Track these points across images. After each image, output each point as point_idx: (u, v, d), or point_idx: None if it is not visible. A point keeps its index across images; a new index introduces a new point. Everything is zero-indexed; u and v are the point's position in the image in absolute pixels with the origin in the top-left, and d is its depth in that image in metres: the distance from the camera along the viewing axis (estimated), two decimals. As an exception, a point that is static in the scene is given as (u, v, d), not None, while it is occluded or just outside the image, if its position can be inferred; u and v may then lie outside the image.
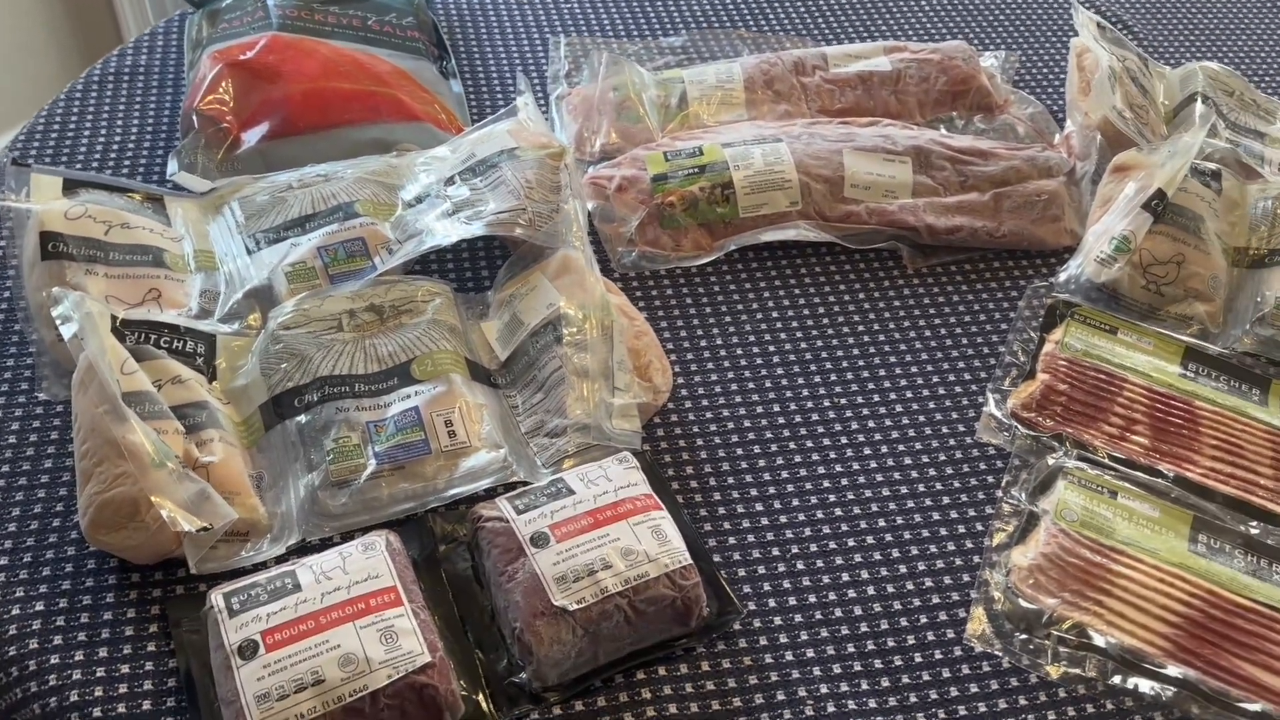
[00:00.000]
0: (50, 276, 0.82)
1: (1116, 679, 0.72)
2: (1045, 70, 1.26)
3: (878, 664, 0.72)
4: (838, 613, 0.75)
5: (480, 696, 0.68)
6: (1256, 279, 0.97)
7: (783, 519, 0.80)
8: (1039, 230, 1.03)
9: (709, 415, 0.87)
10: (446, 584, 0.73)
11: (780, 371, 0.91)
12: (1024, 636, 0.74)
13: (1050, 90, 1.23)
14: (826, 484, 0.83)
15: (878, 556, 0.78)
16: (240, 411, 0.80)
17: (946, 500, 0.82)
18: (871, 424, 0.87)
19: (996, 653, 0.73)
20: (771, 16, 1.29)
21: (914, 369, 0.92)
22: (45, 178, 0.87)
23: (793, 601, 0.75)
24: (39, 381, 0.83)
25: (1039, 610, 0.74)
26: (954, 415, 0.88)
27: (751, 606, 0.75)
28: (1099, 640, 0.73)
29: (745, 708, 0.69)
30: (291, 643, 0.65)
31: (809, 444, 0.85)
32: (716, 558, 0.77)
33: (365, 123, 1.02)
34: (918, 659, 0.73)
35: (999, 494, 0.83)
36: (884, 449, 0.85)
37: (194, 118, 1.00)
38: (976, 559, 0.79)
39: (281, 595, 0.67)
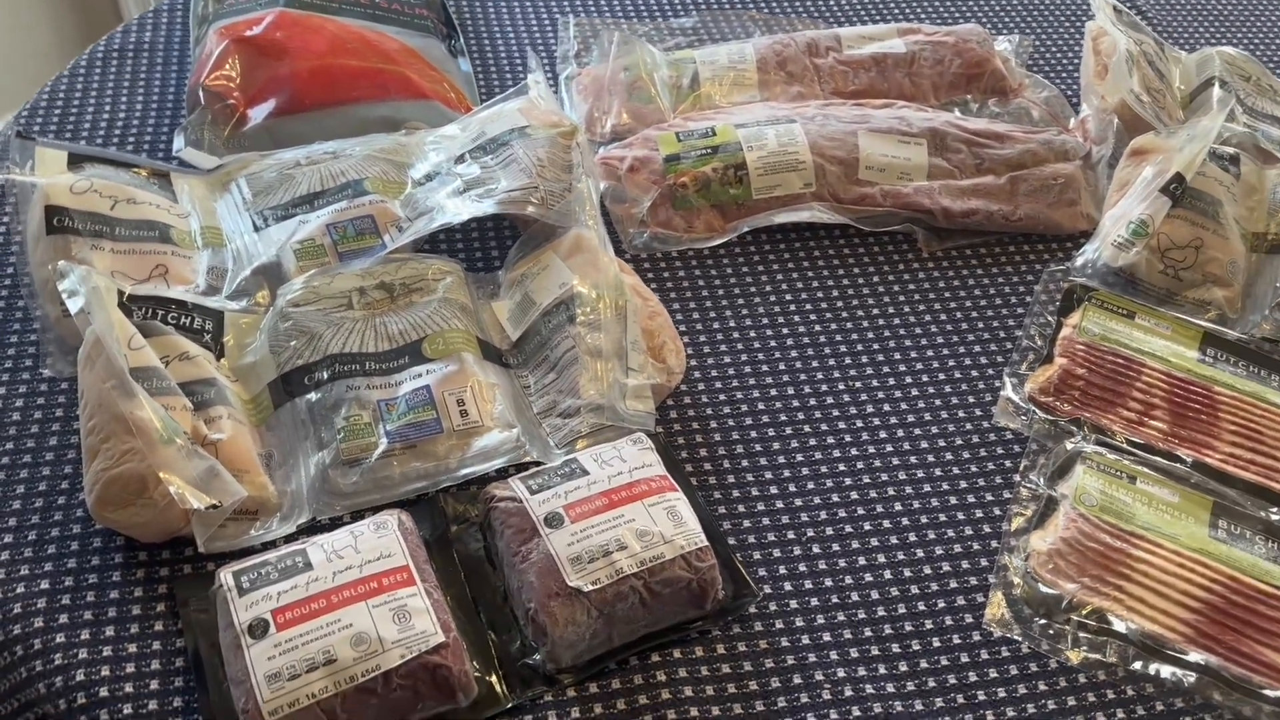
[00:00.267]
0: (55, 251, 0.81)
1: (1137, 665, 0.71)
2: (1058, 54, 1.25)
3: (895, 648, 0.71)
4: (854, 597, 0.74)
5: (493, 678, 0.67)
6: (1275, 264, 0.96)
7: (798, 502, 0.79)
8: (1055, 214, 1.02)
9: (722, 398, 0.86)
10: (458, 564, 0.72)
11: (794, 354, 0.90)
12: (1043, 621, 0.73)
13: (1064, 75, 1.22)
14: (842, 467, 0.82)
15: (894, 540, 0.77)
16: (249, 389, 0.78)
17: (964, 484, 0.81)
18: (887, 407, 0.86)
19: (1016, 638, 0.72)
20: (783, -2, 1.28)
21: (929, 352, 0.91)
22: (50, 151, 0.86)
23: (809, 585, 0.74)
24: (43, 358, 0.82)
25: (1058, 595, 0.73)
26: (970, 399, 0.87)
27: (767, 590, 0.74)
28: (1119, 626, 0.72)
29: (762, 691, 0.68)
30: (302, 621, 0.64)
31: (824, 427, 0.84)
32: (731, 540, 0.76)
33: (373, 100, 1.01)
34: (936, 643, 0.72)
35: (1017, 478, 0.82)
36: (900, 432, 0.84)
37: (200, 94, 0.98)
38: (994, 543, 0.78)
39: (292, 574, 0.66)
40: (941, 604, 0.74)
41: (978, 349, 0.91)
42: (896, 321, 0.93)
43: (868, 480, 0.81)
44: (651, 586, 0.69)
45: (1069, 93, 1.18)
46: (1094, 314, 0.92)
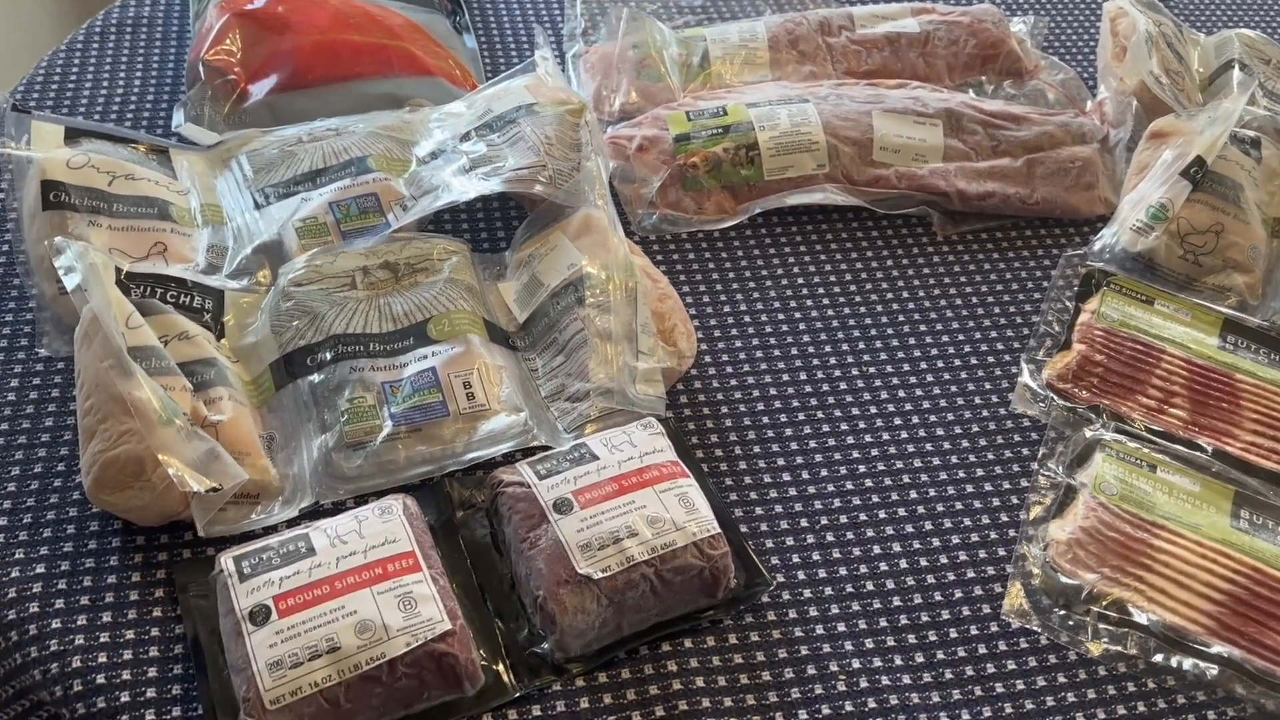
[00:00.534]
0: (52, 227, 0.79)
1: (1159, 657, 0.69)
2: (1074, 36, 1.23)
3: (911, 639, 0.70)
4: (869, 586, 0.72)
5: (500, 666, 0.65)
6: (1297, 250, 0.95)
7: (811, 490, 0.77)
8: (1072, 198, 1.00)
9: (733, 382, 0.84)
10: (464, 551, 0.70)
11: (806, 339, 0.88)
12: (1063, 612, 0.71)
13: (1079, 56, 1.20)
14: (856, 454, 0.80)
15: (910, 529, 0.76)
16: (250, 370, 0.76)
17: (980, 472, 0.79)
18: (902, 393, 0.84)
19: (1034, 629, 0.71)
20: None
21: (944, 338, 0.89)
22: (47, 125, 0.84)
23: (822, 574, 0.73)
24: (39, 337, 0.80)
25: (1078, 585, 0.72)
26: (987, 385, 0.86)
27: (780, 578, 0.72)
28: (1140, 617, 0.70)
29: (775, 681, 0.67)
30: (305, 608, 0.62)
31: (837, 413, 0.82)
32: (743, 528, 0.75)
33: (376, 76, 0.99)
34: (953, 634, 0.70)
35: (1035, 466, 0.80)
36: (915, 419, 0.83)
37: (200, 69, 0.96)
38: (1012, 532, 0.76)
39: (295, 559, 0.64)
40: (958, 594, 0.72)
41: (994, 334, 0.90)
42: (911, 306, 0.91)
43: (882, 467, 0.79)
44: (663, 574, 0.67)
45: (1085, 75, 1.16)
46: (1112, 299, 0.90)
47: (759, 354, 0.86)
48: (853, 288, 0.92)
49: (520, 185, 0.85)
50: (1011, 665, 0.69)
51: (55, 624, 0.66)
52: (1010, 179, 0.99)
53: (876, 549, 0.74)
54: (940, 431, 0.82)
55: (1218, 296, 0.92)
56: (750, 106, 0.98)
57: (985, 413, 0.84)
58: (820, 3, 1.20)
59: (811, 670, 0.67)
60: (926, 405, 0.84)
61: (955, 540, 0.75)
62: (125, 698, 0.63)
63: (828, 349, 0.87)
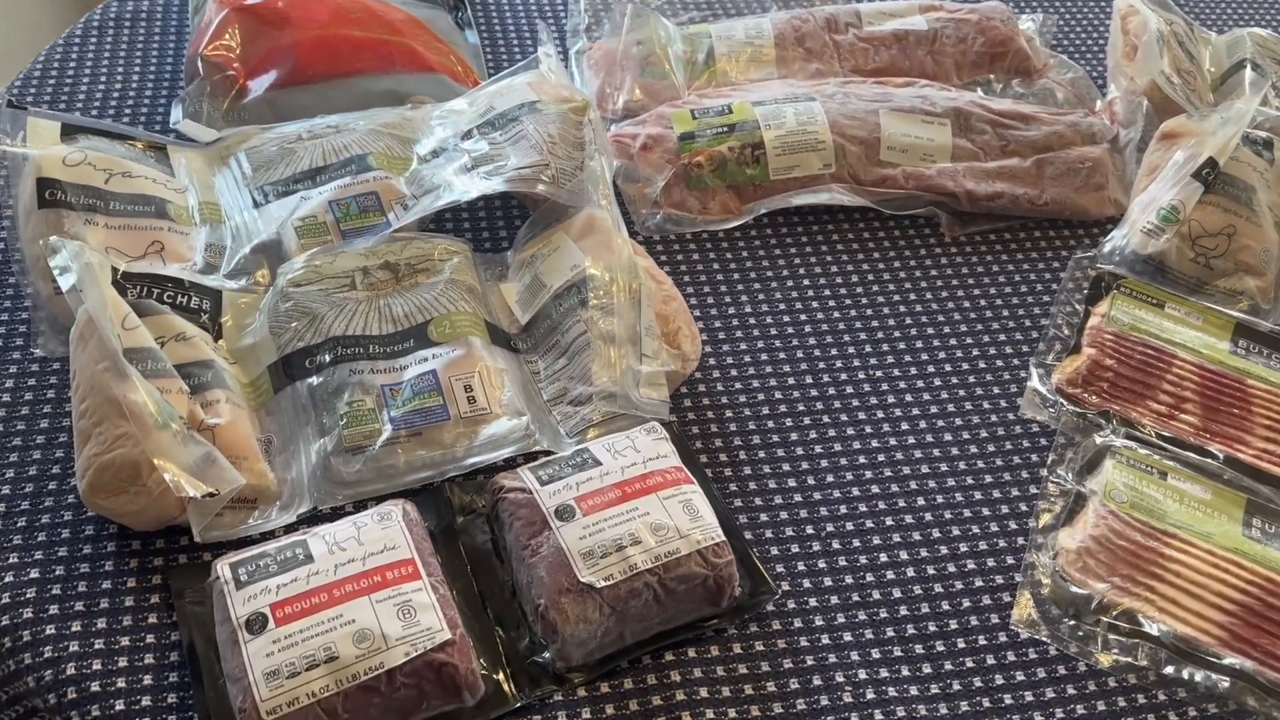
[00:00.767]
0: (47, 226, 0.77)
1: (1170, 669, 0.68)
2: (1083, 34, 1.21)
3: (919, 649, 0.68)
4: (876, 595, 0.71)
5: (501, 676, 0.64)
6: (1309, 253, 0.93)
7: (816, 496, 0.76)
8: (1081, 199, 0.98)
9: (738, 386, 0.83)
10: (464, 557, 0.69)
11: (812, 341, 0.86)
12: (1072, 623, 0.70)
13: (1088, 55, 1.18)
14: (862, 460, 0.79)
15: (917, 536, 0.74)
16: (247, 372, 0.75)
17: (989, 478, 0.78)
18: (909, 397, 0.83)
19: (1043, 639, 0.70)
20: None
21: (953, 341, 0.88)
22: (43, 122, 0.83)
23: (828, 583, 0.71)
24: (34, 337, 0.79)
25: (1088, 595, 0.70)
26: (995, 390, 0.84)
27: (785, 587, 0.71)
28: (1151, 628, 0.69)
29: (780, 693, 0.66)
30: (303, 616, 0.61)
31: (843, 417, 0.81)
32: (748, 535, 0.73)
33: (377, 72, 0.97)
34: (961, 644, 0.69)
35: (1044, 473, 0.79)
36: (922, 424, 0.81)
37: (199, 64, 0.95)
38: (1021, 540, 0.75)
39: (292, 566, 0.63)
40: (967, 603, 0.71)
41: (1003, 338, 0.88)
42: (919, 308, 0.90)
43: (889, 474, 0.78)
44: (666, 583, 0.66)
45: (1094, 74, 1.14)
46: (1123, 303, 0.89)
47: (764, 357, 0.85)
48: (859, 289, 0.91)
49: (523, 185, 0.83)
50: (1020, 677, 0.68)
51: (50, 630, 0.65)
52: (1019, 179, 0.98)
53: (883, 557, 0.73)
54: (948, 437, 0.81)
55: (1229, 300, 0.91)
56: (756, 105, 0.97)
57: (994, 418, 0.82)
58: (827, -1, 1.18)
59: (817, 681, 0.66)
60: (934, 410, 0.82)
61: (963, 548, 0.74)
62: (120, 706, 0.62)
63: (834, 352, 0.86)
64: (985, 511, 0.76)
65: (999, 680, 0.68)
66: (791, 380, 0.83)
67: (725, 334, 0.86)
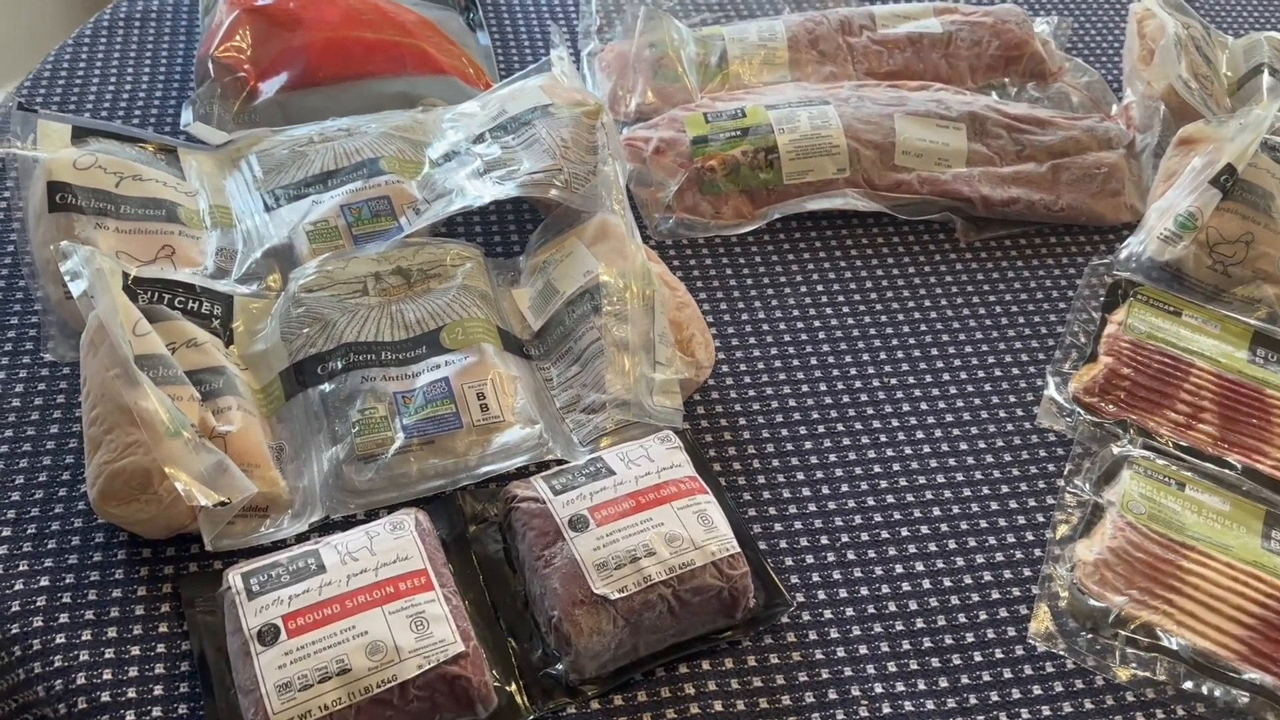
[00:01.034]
0: (58, 230, 0.77)
1: (1189, 684, 0.67)
2: (1098, 37, 1.20)
3: (935, 663, 0.68)
4: (891, 607, 0.70)
5: (513, 688, 0.64)
6: (1328, 261, 0.92)
7: (831, 505, 0.76)
8: (1098, 205, 0.98)
9: (751, 393, 0.82)
10: (477, 567, 0.69)
11: (826, 348, 0.86)
12: (1090, 636, 0.69)
13: (1104, 59, 1.17)
14: (877, 469, 0.78)
15: (933, 547, 0.74)
16: (259, 378, 0.75)
17: (1005, 489, 0.78)
18: (924, 405, 0.82)
19: (1061, 653, 0.69)
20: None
21: (968, 348, 0.87)
22: (53, 125, 0.82)
23: (843, 594, 0.71)
24: (44, 341, 0.78)
25: (1106, 608, 0.70)
26: (1011, 398, 0.84)
27: (800, 598, 0.70)
28: (1169, 641, 0.69)
29: (795, 706, 0.65)
30: (315, 628, 0.61)
31: (858, 426, 0.81)
32: (762, 545, 0.73)
33: (389, 75, 0.97)
34: (978, 658, 0.68)
35: (1061, 483, 0.78)
36: (938, 432, 0.81)
37: (210, 66, 0.94)
38: (1038, 551, 0.74)
39: (304, 576, 0.63)
40: (983, 615, 0.70)
41: (1018, 345, 0.88)
42: (934, 315, 0.89)
43: (904, 483, 0.77)
44: (680, 595, 0.65)
45: (1109, 77, 1.13)
46: (1140, 310, 0.88)
47: (777, 364, 0.84)
48: (873, 296, 0.90)
49: (535, 189, 0.83)
50: (1037, 690, 0.67)
51: (60, 639, 0.65)
52: (1035, 184, 0.97)
53: (899, 568, 0.72)
54: (964, 446, 0.80)
55: (1247, 308, 0.90)
56: (769, 108, 0.96)
57: (1010, 426, 0.82)
58: (840, 1, 1.17)
59: (833, 695, 0.66)
60: (950, 418, 0.82)
61: (980, 560, 0.73)
62: (131, 717, 0.62)
63: (848, 359, 0.85)
64: (1002, 522, 0.76)
65: (1016, 694, 0.67)
66: (805, 387, 0.83)
67: (738, 340, 0.86)
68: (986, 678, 0.68)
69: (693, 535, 0.67)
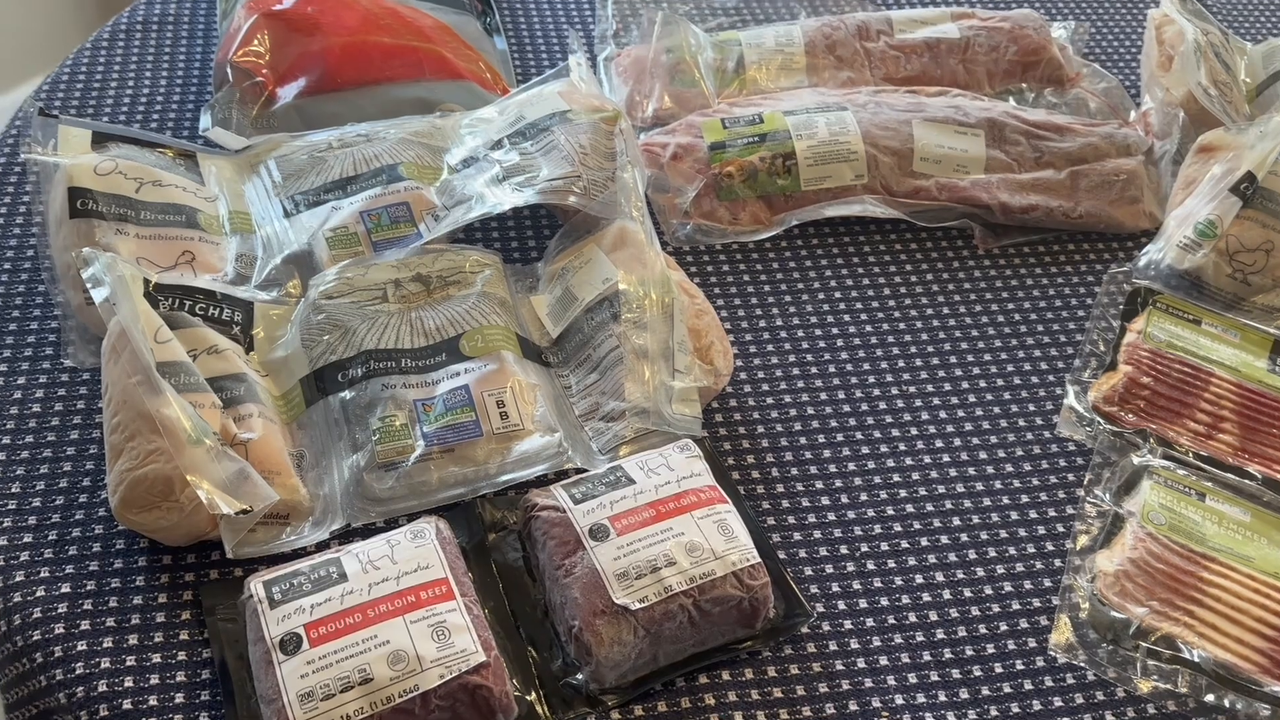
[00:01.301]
0: (79, 236, 0.77)
1: (1210, 696, 0.67)
2: (1116, 43, 1.20)
3: (956, 674, 0.68)
4: (912, 618, 0.70)
5: (533, 697, 0.64)
6: (1349, 270, 0.92)
7: (850, 514, 0.75)
8: (1116, 212, 0.97)
9: (769, 401, 0.82)
10: (497, 575, 0.69)
11: (844, 356, 0.86)
12: (1110, 647, 0.69)
13: (1122, 64, 1.17)
14: (896, 478, 0.78)
15: (953, 557, 0.74)
16: (279, 385, 0.75)
17: (1025, 498, 0.77)
18: (943, 414, 0.82)
19: (1081, 664, 0.69)
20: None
21: (987, 356, 0.87)
22: (74, 130, 0.82)
23: (863, 604, 0.71)
24: (64, 347, 0.79)
25: (1126, 620, 0.70)
26: (1030, 407, 0.83)
27: (819, 608, 0.70)
28: (1190, 654, 0.68)
29: (815, 717, 0.65)
30: (337, 637, 0.61)
31: (876, 434, 0.80)
32: (781, 555, 0.73)
33: (407, 80, 0.97)
34: (998, 669, 0.68)
35: (1080, 493, 0.78)
36: (957, 441, 0.81)
37: (228, 70, 0.94)
38: (1058, 562, 0.74)
39: (326, 585, 0.63)
40: (1004, 626, 0.70)
41: (1038, 353, 0.87)
42: (952, 323, 0.89)
43: (924, 492, 0.77)
44: (701, 605, 0.65)
45: (1127, 83, 1.13)
46: (1159, 319, 0.88)
47: (795, 371, 0.84)
48: (891, 303, 0.90)
49: (554, 196, 0.83)
50: (1058, 702, 0.67)
51: (81, 646, 0.65)
52: (1054, 191, 0.96)
53: (919, 578, 0.72)
54: (983, 455, 0.80)
55: (1267, 317, 0.90)
56: (787, 114, 0.96)
57: (1029, 435, 0.81)
58: (858, 6, 1.17)
59: (853, 706, 0.66)
60: (969, 427, 0.82)
61: (1000, 570, 0.73)
62: (152, 725, 0.62)
63: (866, 367, 0.85)
64: (1022, 532, 0.75)
65: (1036, 706, 0.67)
66: (823, 395, 0.83)
67: (755, 347, 0.86)
68: (1007, 689, 0.67)
69: (713, 545, 0.67)
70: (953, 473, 0.79)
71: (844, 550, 0.73)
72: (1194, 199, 0.93)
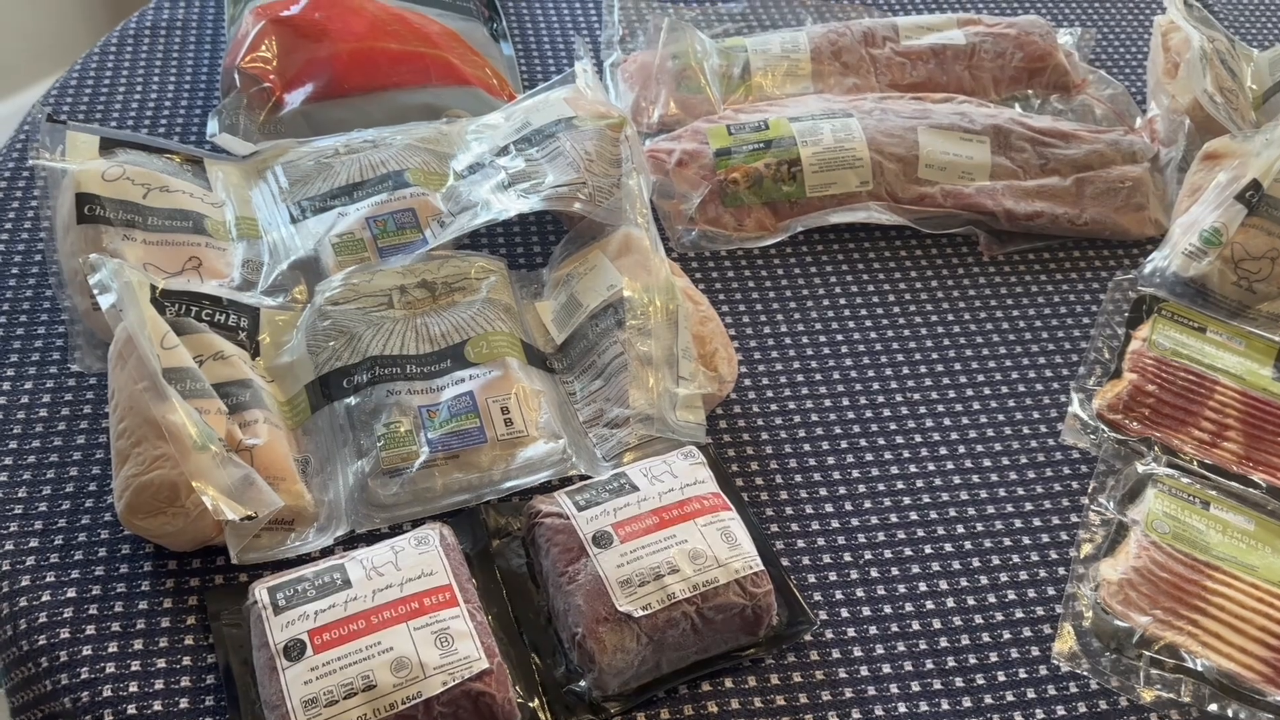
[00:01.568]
0: (86, 241, 0.77)
1: (1214, 706, 0.67)
2: (1121, 50, 1.20)
3: (959, 682, 0.68)
4: (915, 625, 0.70)
5: (536, 704, 0.64)
6: (1355, 278, 0.92)
7: (854, 522, 0.75)
8: (1121, 219, 0.97)
9: (773, 408, 0.82)
10: (500, 581, 0.69)
11: (849, 363, 0.86)
12: (1114, 656, 0.69)
13: (1128, 71, 1.17)
14: (900, 485, 0.78)
15: (957, 565, 0.74)
16: (285, 390, 0.75)
17: (1029, 506, 0.77)
18: (947, 421, 0.82)
19: (1084, 673, 0.69)
20: (835, -16, 1.23)
21: (991, 363, 0.87)
22: (82, 135, 0.83)
23: (866, 612, 0.71)
24: (71, 352, 0.79)
25: (1130, 629, 0.70)
26: (1035, 414, 0.83)
27: (823, 616, 0.70)
28: (1194, 663, 0.68)
29: (818, 725, 0.65)
30: (341, 644, 0.61)
31: (880, 441, 0.81)
32: (785, 562, 0.73)
33: (414, 86, 0.97)
34: (1001, 677, 0.68)
35: (1085, 501, 0.78)
36: (961, 448, 0.81)
37: (235, 76, 0.95)
38: (1062, 570, 0.74)
39: (330, 591, 0.63)
40: (1007, 635, 0.70)
41: (1042, 360, 0.87)
42: (957, 330, 0.89)
43: (927, 499, 0.77)
44: (704, 613, 0.65)
45: (1133, 89, 1.13)
46: (1164, 327, 0.88)
47: (799, 378, 0.84)
48: (896, 310, 0.90)
49: (559, 203, 0.83)
50: (1061, 711, 0.67)
51: (86, 650, 0.65)
52: (1059, 198, 0.96)
53: (922, 586, 0.72)
54: (987, 462, 0.80)
55: (1273, 325, 0.90)
56: (792, 121, 0.96)
57: (1034, 443, 0.81)
58: (864, 12, 1.17)
59: (856, 714, 0.66)
60: (973, 434, 0.82)
61: (1004, 578, 0.73)
62: (157, 730, 0.62)
63: (870, 374, 0.85)
64: (1026, 540, 0.75)
65: (1039, 715, 0.67)
66: (828, 402, 0.83)
67: (760, 354, 0.86)
68: (1010, 697, 0.67)
69: (716, 552, 0.67)
70: (956, 480, 0.79)
71: (847, 557, 0.73)
72: (1199, 206, 0.93)
